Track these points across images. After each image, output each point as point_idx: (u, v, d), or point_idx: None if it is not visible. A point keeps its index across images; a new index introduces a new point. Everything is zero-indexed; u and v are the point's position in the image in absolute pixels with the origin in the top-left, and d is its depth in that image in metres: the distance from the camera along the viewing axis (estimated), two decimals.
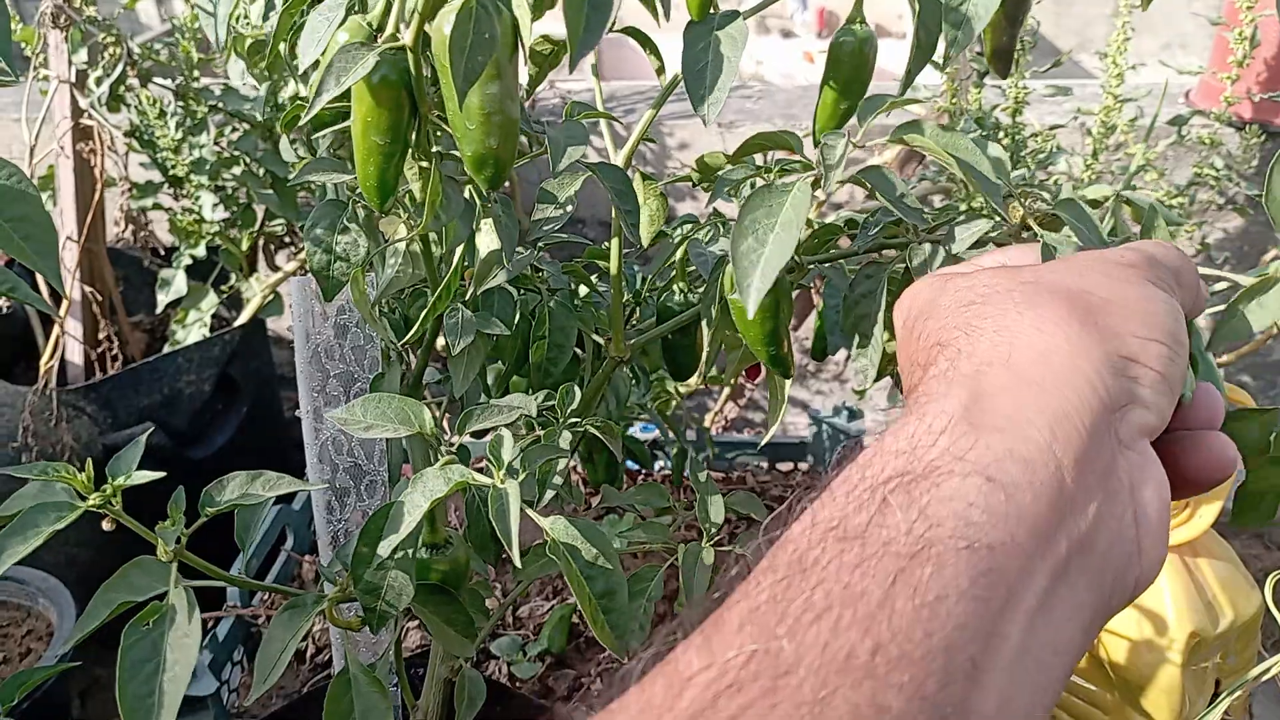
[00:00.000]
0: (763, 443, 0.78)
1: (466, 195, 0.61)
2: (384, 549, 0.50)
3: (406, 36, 0.49)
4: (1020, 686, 0.27)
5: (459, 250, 0.61)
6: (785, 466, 1.40)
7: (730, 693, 0.24)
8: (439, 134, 0.57)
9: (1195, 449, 0.38)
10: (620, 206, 0.62)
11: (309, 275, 0.68)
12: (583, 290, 0.86)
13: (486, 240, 0.62)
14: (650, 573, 0.71)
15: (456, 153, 0.61)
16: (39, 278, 1.38)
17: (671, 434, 1.16)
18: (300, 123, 0.54)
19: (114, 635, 0.53)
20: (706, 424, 1.60)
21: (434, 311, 0.66)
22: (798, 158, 0.72)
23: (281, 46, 0.90)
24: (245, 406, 1.50)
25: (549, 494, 0.65)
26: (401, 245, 0.71)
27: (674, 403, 1.39)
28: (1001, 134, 1.04)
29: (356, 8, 0.61)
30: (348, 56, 0.49)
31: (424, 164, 0.62)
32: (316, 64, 0.68)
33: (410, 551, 0.53)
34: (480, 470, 0.54)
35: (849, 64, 0.68)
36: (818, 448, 1.37)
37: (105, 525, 0.47)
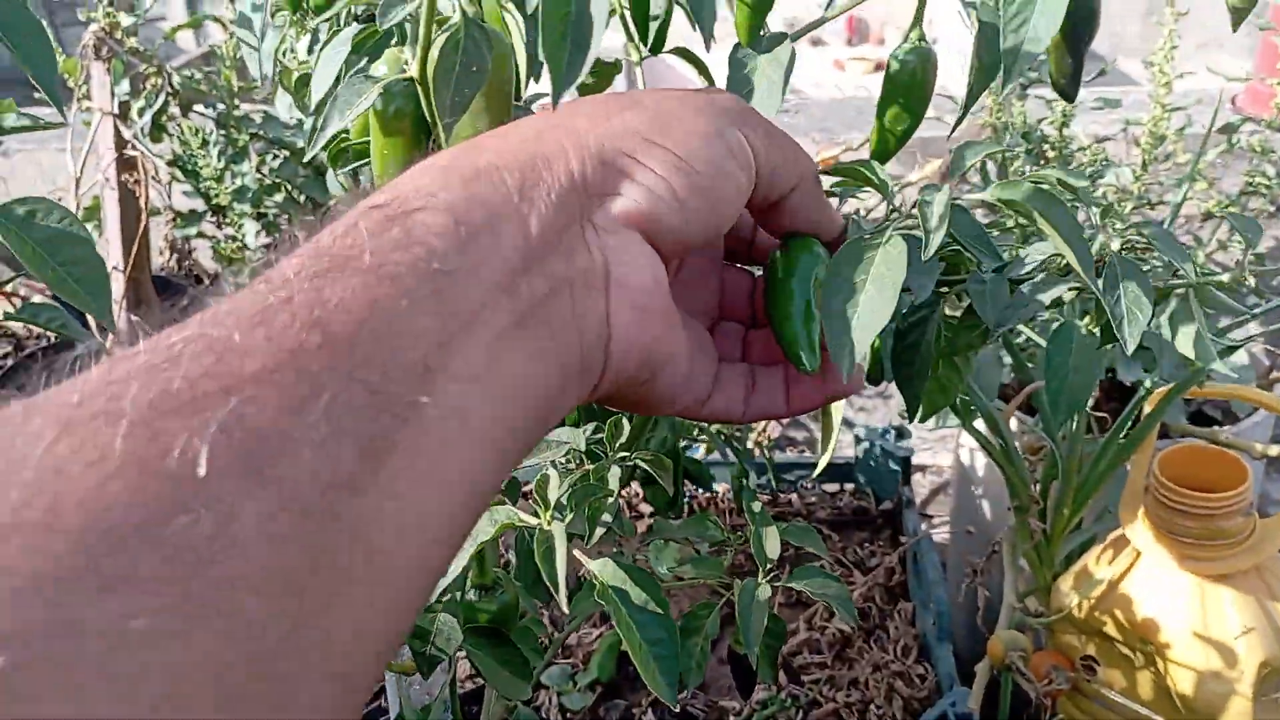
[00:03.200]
0: (817, 471, 0.76)
1: None
2: (431, 593, 0.49)
3: (413, 68, 0.48)
4: (473, 402, 0.28)
5: None
6: (832, 487, 1.38)
7: (167, 365, 0.24)
8: None
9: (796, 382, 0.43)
10: None
11: None
12: None
13: None
14: (705, 610, 0.70)
15: None
16: None
17: (730, 454, 1.15)
18: (306, 156, 0.53)
19: None
20: (750, 445, 1.58)
21: None
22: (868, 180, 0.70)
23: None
24: None
25: (599, 530, 0.64)
26: None
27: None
28: (1049, 148, 1.02)
29: (394, 41, 0.61)
30: (351, 90, 0.48)
31: None
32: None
33: (458, 594, 0.52)
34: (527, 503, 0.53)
35: (909, 83, 0.66)
36: (865, 467, 1.35)
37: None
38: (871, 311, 0.50)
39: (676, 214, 0.34)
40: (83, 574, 0.20)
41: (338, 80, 0.46)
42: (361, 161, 0.71)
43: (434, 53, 0.38)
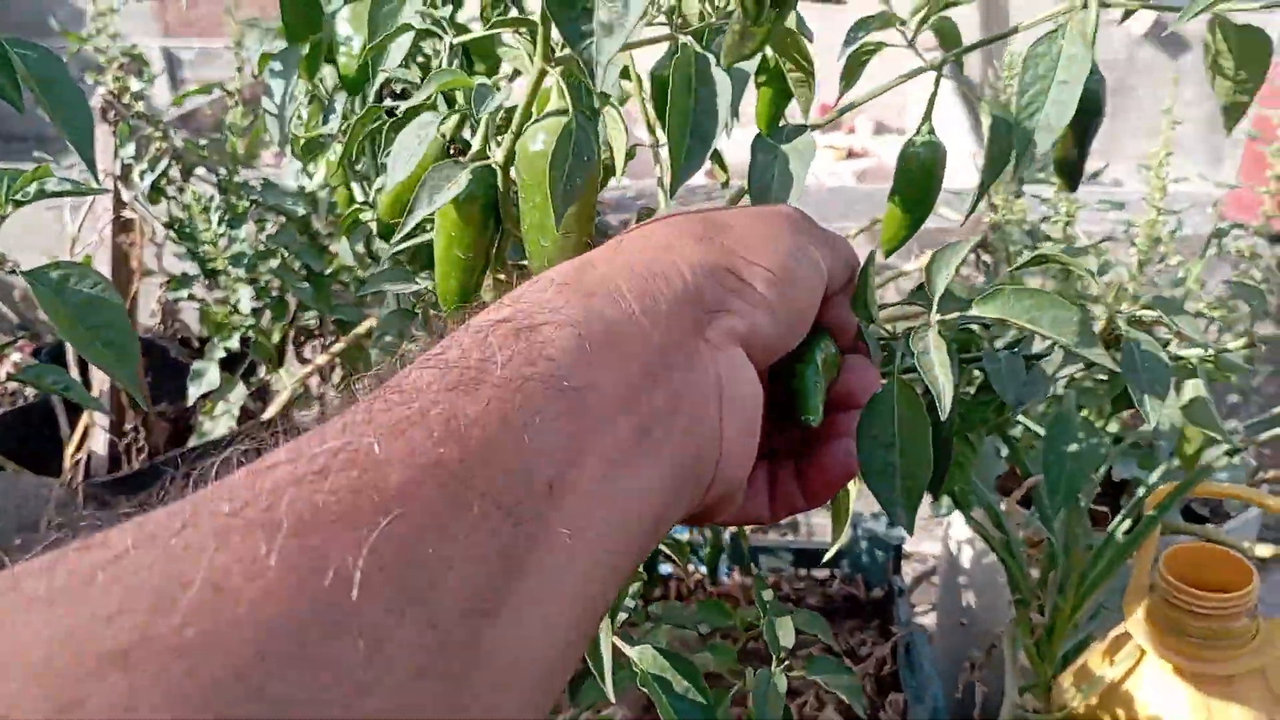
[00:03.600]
0: (827, 556, 0.76)
1: None
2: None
3: (498, 155, 0.48)
4: (595, 520, 0.28)
5: None
6: (821, 573, 1.37)
7: (314, 478, 0.24)
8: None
9: (817, 457, 0.42)
10: None
11: None
12: None
13: None
14: (719, 697, 0.69)
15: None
16: (77, 366, 1.37)
17: (706, 534, 1.14)
18: (394, 245, 0.53)
19: None
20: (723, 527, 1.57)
21: None
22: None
23: (337, 149, 0.90)
24: None
25: (621, 615, 0.63)
26: None
27: None
28: (1051, 246, 1.04)
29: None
30: (441, 174, 0.49)
31: (500, 276, 0.62)
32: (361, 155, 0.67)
33: None
34: None
35: (919, 174, 0.68)
36: (853, 553, 1.34)
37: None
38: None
39: (773, 329, 0.36)
40: (243, 700, 0.19)
41: (421, 167, 0.47)
42: (400, 245, 0.71)
43: (531, 142, 0.38)
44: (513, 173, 0.49)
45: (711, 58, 0.39)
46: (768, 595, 0.75)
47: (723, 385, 0.34)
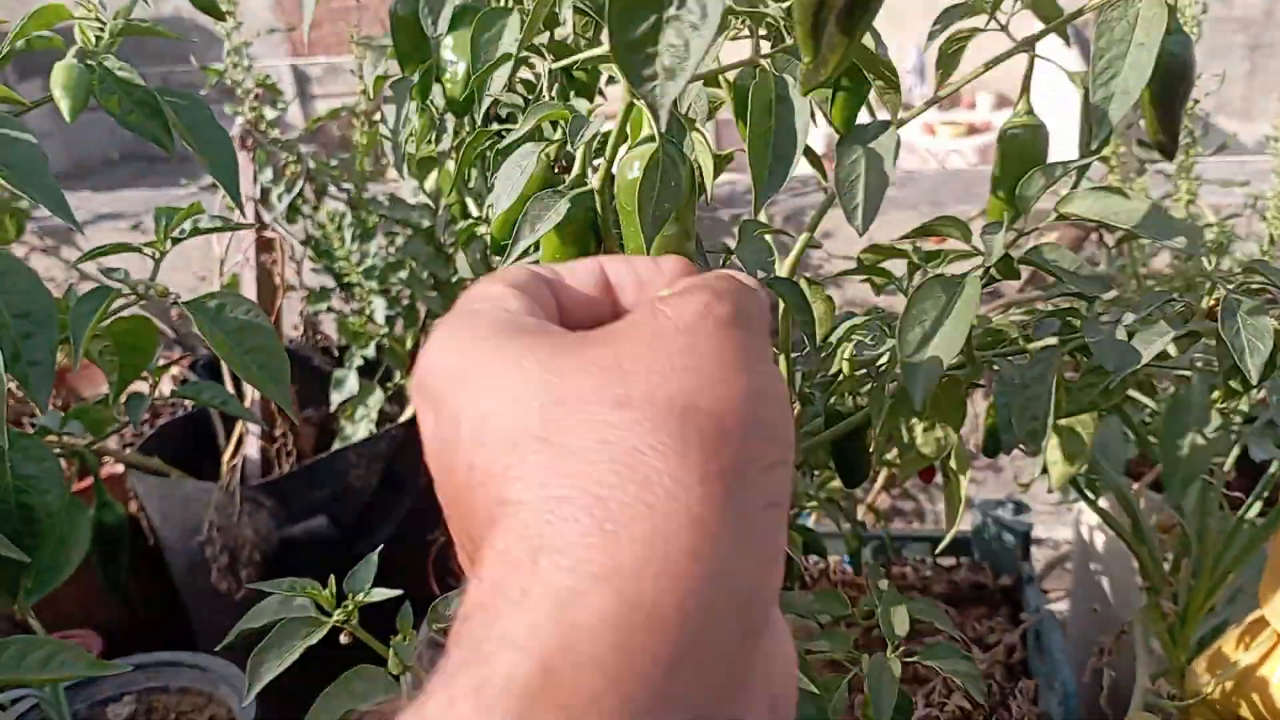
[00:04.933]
0: (941, 545, 0.77)
1: None
2: None
3: (594, 181, 0.51)
4: None
5: None
6: (947, 561, 1.37)
7: None
8: None
9: None
10: (798, 318, 0.63)
11: None
12: None
13: None
14: (834, 683, 0.71)
15: None
16: (230, 379, 1.47)
17: (844, 525, 1.15)
18: (508, 258, 0.57)
19: None
20: (860, 515, 1.58)
21: None
22: (964, 246, 0.72)
23: (449, 166, 0.95)
24: (408, 499, 1.56)
25: None
26: None
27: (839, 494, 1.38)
28: None
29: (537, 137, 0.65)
30: (541, 204, 0.52)
31: None
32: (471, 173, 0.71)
33: None
34: None
35: (1019, 155, 0.68)
36: (981, 541, 1.33)
37: (343, 639, 0.50)
38: (948, 340, 0.53)
39: None
40: None
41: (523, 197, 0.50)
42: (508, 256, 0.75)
43: (628, 169, 0.41)
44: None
45: (789, 80, 0.41)
46: (883, 584, 0.77)
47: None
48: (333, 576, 0.54)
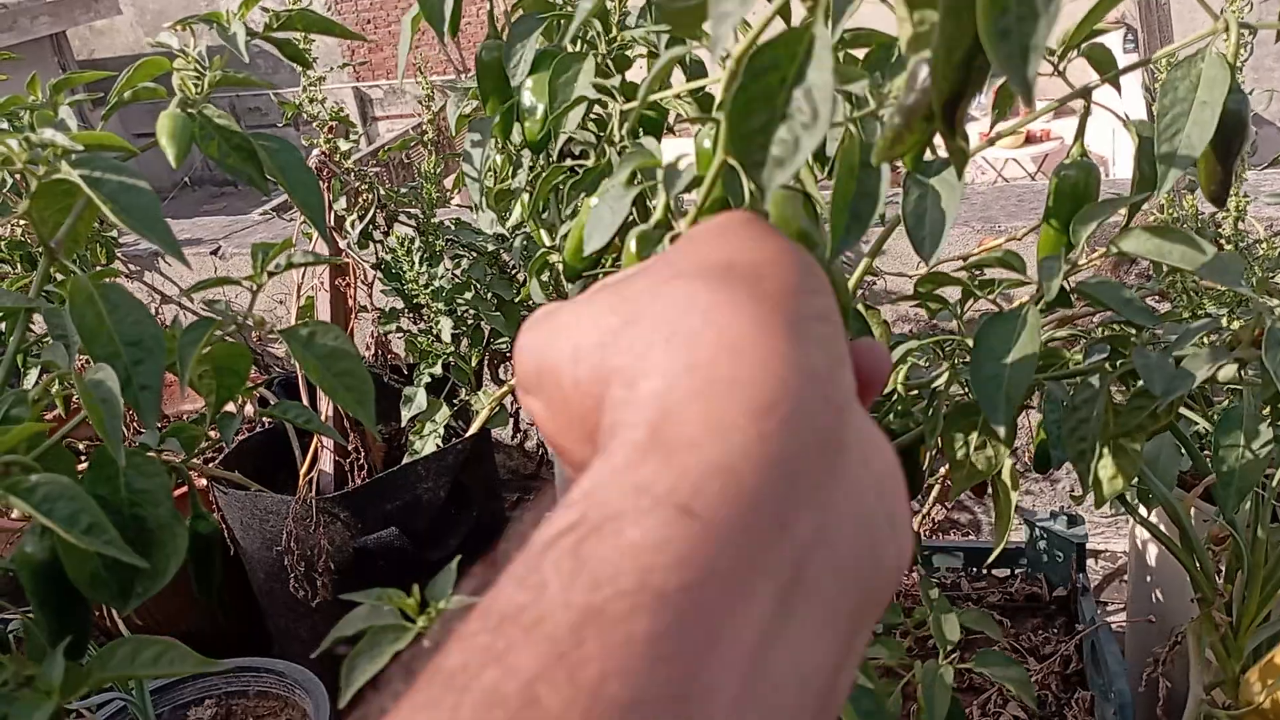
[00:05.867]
0: (991, 557, 0.80)
1: None
2: None
3: (682, 225, 0.55)
4: None
5: None
6: (1001, 572, 1.39)
7: None
8: None
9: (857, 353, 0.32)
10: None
11: None
12: None
13: None
14: (888, 688, 0.74)
15: None
16: (305, 396, 1.54)
17: None
18: (578, 286, 0.62)
19: None
20: (914, 526, 1.60)
21: None
22: (1018, 277, 0.75)
23: (525, 199, 1.01)
24: (475, 511, 1.62)
25: None
26: None
27: None
28: (1224, 240, 1.03)
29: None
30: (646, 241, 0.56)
31: None
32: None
33: None
34: None
35: (1071, 193, 0.72)
36: (1035, 553, 1.35)
37: (425, 644, 0.54)
38: (1020, 370, 0.57)
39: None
40: None
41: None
42: (577, 279, 0.80)
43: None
44: None
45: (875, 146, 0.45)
46: (934, 593, 0.80)
47: (869, 463, 0.27)
48: (415, 586, 0.58)
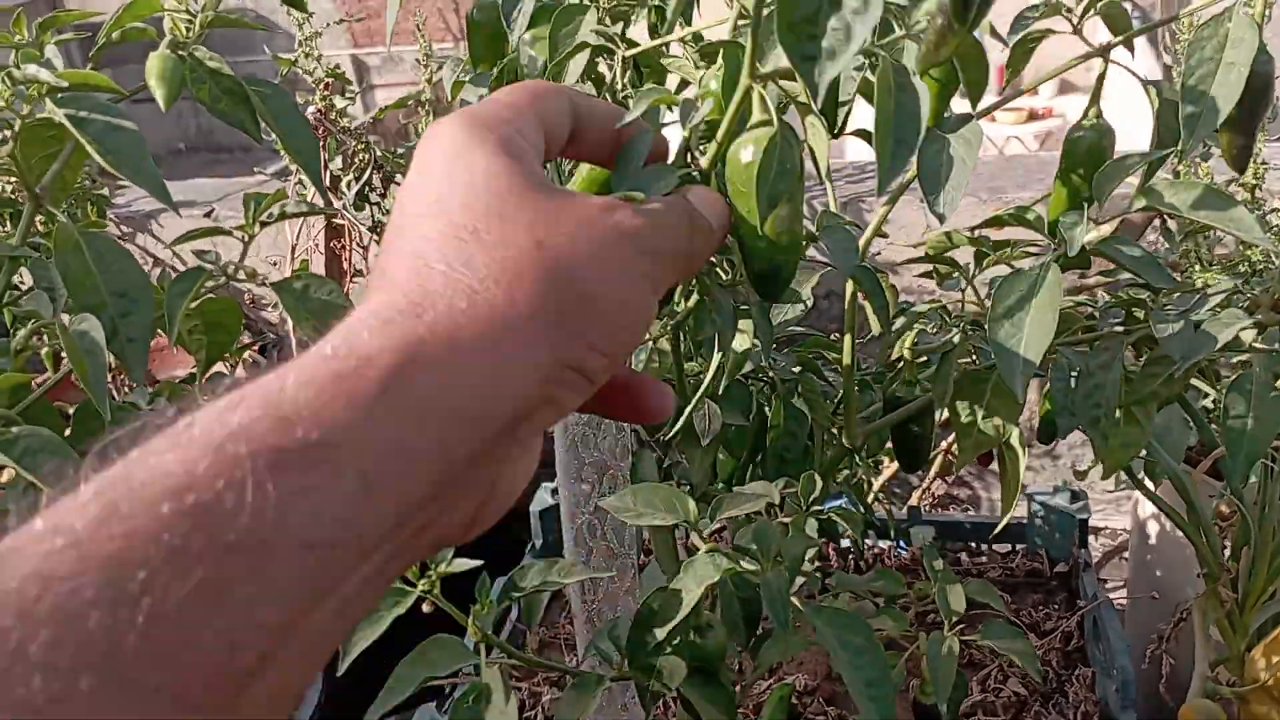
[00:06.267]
0: (996, 530, 0.78)
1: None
2: (660, 631, 0.54)
3: (702, 162, 0.53)
4: (306, 660, 0.27)
5: (717, 351, 0.65)
6: (1003, 547, 1.37)
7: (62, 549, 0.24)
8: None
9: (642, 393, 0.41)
10: (874, 305, 0.65)
11: None
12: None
13: (741, 340, 0.66)
14: (892, 660, 0.72)
15: (715, 262, 0.66)
16: None
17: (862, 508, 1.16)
18: None
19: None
20: (914, 501, 1.58)
21: (686, 403, 0.71)
22: (1039, 239, 0.73)
23: None
24: None
25: (799, 580, 0.68)
26: (646, 343, 0.76)
27: (879, 480, 1.39)
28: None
29: None
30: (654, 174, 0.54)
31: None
32: None
33: (684, 635, 0.56)
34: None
35: (1085, 158, 0.69)
36: (1037, 529, 1.33)
37: (425, 608, 0.52)
38: (1039, 330, 0.55)
39: (591, 390, 0.36)
40: None
41: None
42: None
43: (742, 152, 0.43)
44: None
45: (909, 67, 0.42)
46: (939, 564, 0.78)
47: (498, 481, 0.34)
48: None
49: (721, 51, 0.51)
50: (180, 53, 0.73)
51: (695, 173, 0.45)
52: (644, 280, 0.36)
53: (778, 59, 0.38)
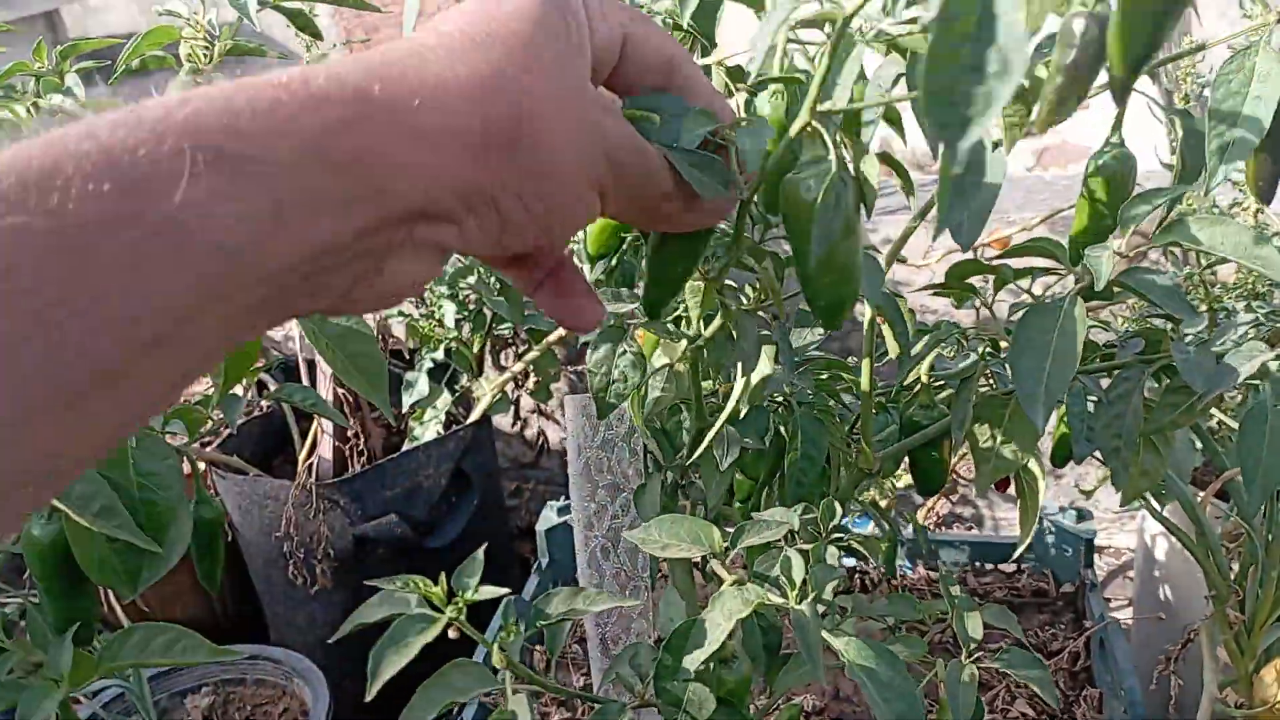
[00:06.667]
0: (1017, 553, 0.79)
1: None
2: (689, 663, 0.54)
3: (744, 192, 0.53)
4: (173, 369, 0.29)
5: (740, 376, 0.65)
6: (1008, 567, 1.38)
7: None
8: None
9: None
10: (894, 331, 0.65)
11: (584, 394, 0.74)
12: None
13: (764, 364, 0.66)
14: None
15: (738, 287, 0.67)
16: (311, 380, 1.52)
17: (885, 527, 1.17)
18: (597, 274, 0.60)
19: None
20: (920, 519, 1.59)
21: (704, 427, 0.71)
22: (1059, 267, 0.74)
23: None
24: (476, 498, 1.60)
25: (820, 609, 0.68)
26: (664, 368, 0.76)
27: (889, 499, 1.39)
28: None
29: None
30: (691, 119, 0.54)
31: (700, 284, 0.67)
32: None
33: (708, 665, 0.56)
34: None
35: (1108, 184, 0.70)
36: (1042, 548, 1.34)
37: (451, 634, 0.53)
38: (1062, 364, 0.55)
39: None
40: None
41: None
42: (598, 261, 0.78)
43: (805, 192, 0.43)
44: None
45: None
46: (955, 589, 0.78)
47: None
48: (443, 575, 0.57)
49: (775, 86, 0.52)
50: (199, 80, 0.73)
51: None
52: (591, 177, 0.37)
53: (841, 99, 0.38)
